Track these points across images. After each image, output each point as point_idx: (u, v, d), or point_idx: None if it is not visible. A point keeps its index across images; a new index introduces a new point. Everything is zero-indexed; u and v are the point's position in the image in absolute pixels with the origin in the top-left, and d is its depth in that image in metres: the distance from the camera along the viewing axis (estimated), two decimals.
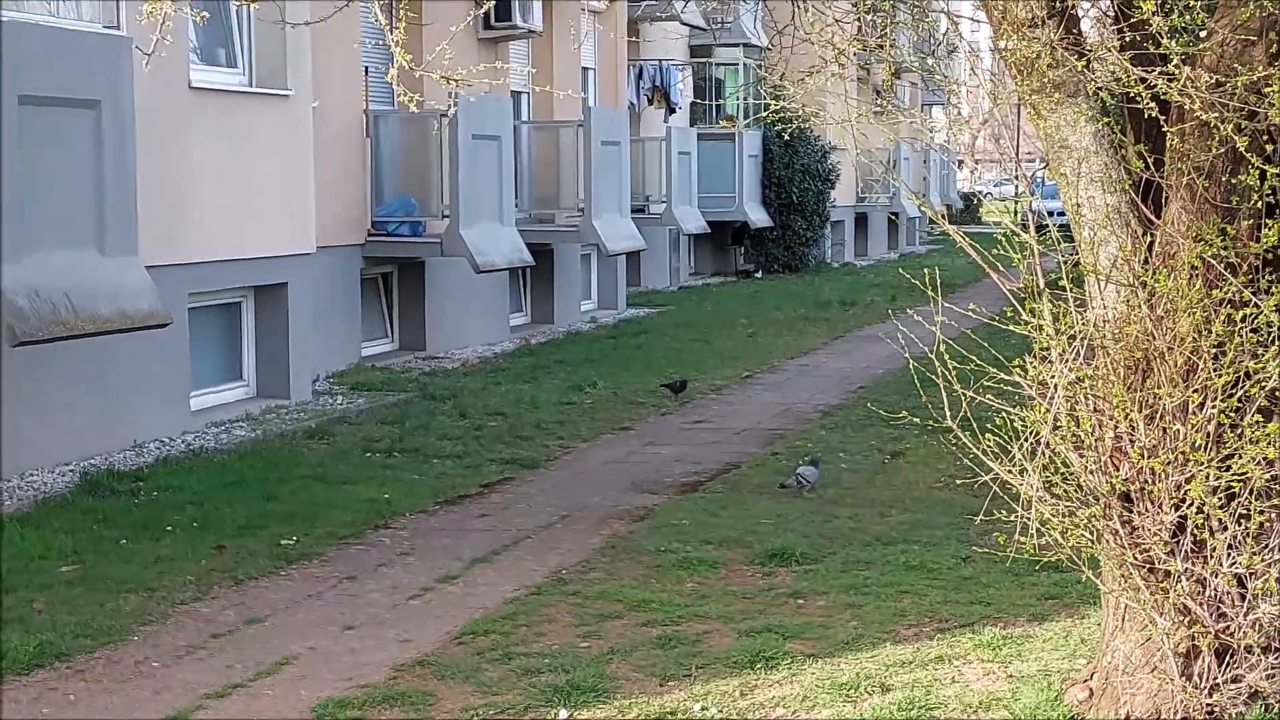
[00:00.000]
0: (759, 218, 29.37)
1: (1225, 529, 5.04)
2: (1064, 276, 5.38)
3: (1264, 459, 4.95)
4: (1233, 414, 5.02)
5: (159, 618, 7.25)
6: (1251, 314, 4.95)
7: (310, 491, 9.96)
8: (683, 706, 5.86)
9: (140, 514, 9.21)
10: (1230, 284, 5.00)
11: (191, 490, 9.87)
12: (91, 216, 9.98)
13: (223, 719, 5.91)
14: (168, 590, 7.67)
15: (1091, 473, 5.17)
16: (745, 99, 27.53)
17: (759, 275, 29.86)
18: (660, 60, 26.02)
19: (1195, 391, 5.02)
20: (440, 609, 7.43)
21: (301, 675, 6.42)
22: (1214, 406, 5.00)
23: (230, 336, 13.49)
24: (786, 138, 27.74)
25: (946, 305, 5.54)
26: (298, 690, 6.21)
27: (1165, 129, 5.15)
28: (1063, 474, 5.23)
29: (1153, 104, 5.06)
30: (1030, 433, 5.23)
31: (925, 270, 5.61)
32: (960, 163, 55.23)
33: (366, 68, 16.04)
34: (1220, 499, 5.02)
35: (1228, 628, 5.17)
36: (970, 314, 5.61)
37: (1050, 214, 5.74)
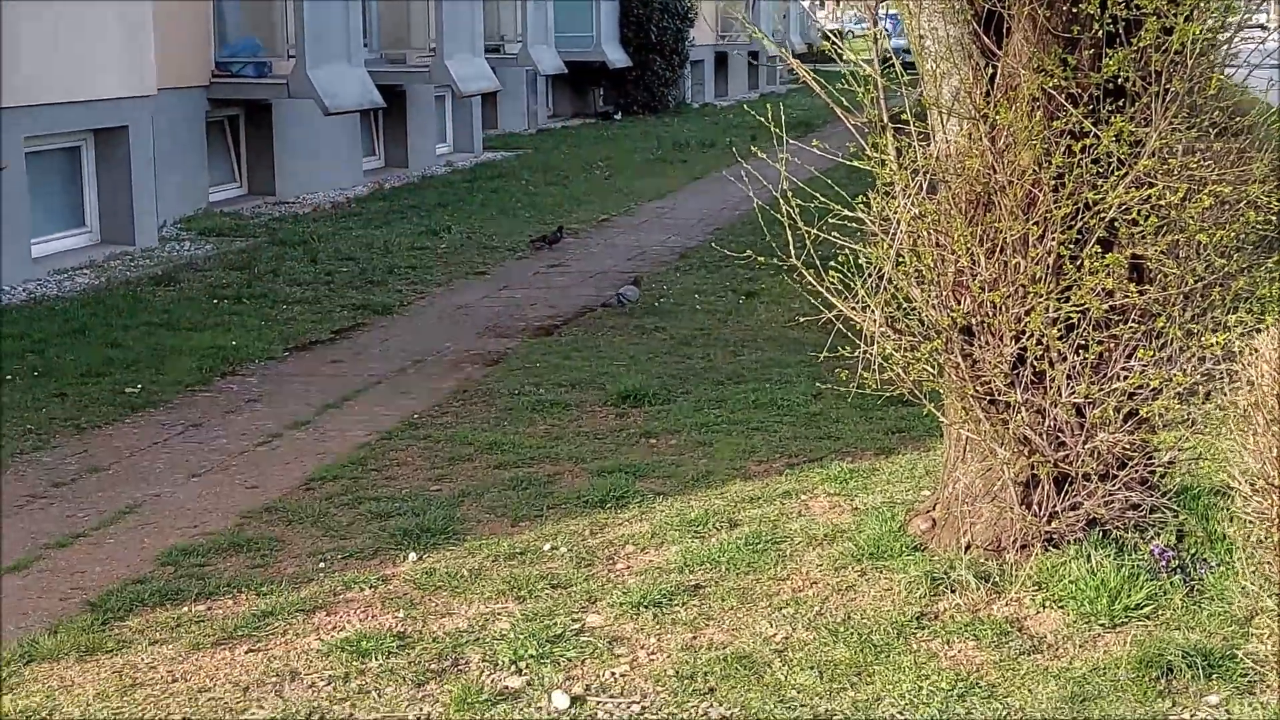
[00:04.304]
0: (617, 57, 29.01)
1: (1064, 360, 5.10)
2: (908, 111, 5.34)
3: (1102, 290, 5.00)
4: (1072, 246, 5.05)
5: None
6: (1091, 145, 4.96)
7: (155, 338, 9.76)
8: (532, 546, 5.85)
9: None
10: (1071, 115, 4.99)
11: (32, 339, 9.63)
12: None
13: (64, 568, 5.79)
14: (7, 440, 7.49)
15: (933, 307, 5.19)
16: None
17: (618, 117, 29.57)
18: None
19: (1035, 224, 5.03)
20: (289, 455, 7.34)
21: (145, 523, 6.31)
22: (1053, 238, 5.03)
23: (71, 182, 13.08)
24: None
25: (799, 145, 5.50)
26: (141, 539, 6.11)
27: None
28: (905, 309, 5.25)
29: None
30: (873, 269, 5.22)
31: (768, 109, 5.54)
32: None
33: None
34: (1059, 330, 5.06)
35: (1066, 456, 5.25)
36: (818, 151, 5.57)
37: (899, 52, 5.69)
